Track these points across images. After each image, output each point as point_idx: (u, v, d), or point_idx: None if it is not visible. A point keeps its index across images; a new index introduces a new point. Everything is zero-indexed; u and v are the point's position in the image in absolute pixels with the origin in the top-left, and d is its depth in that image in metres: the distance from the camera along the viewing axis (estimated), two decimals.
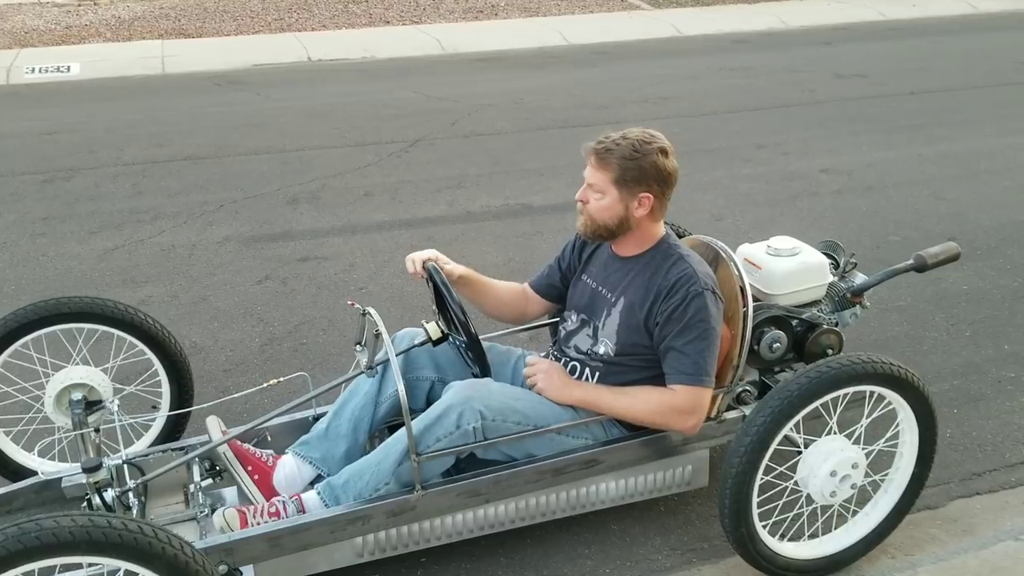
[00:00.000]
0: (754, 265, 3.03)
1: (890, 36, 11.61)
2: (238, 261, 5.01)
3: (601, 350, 2.67)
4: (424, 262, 2.71)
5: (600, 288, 2.73)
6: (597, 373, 2.68)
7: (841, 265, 3.17)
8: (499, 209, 5.75)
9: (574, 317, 2.80)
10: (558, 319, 2.98)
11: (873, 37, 11.58)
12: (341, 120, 7.83)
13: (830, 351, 3.00)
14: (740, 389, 2.84)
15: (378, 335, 2.50)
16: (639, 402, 2.58)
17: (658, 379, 2.61)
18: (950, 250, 3.12)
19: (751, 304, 2.73)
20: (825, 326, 2.98)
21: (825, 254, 3.19)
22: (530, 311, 2.97)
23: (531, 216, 5.63)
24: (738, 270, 2.75)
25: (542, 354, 3.02)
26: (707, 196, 5.91)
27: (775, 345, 2.91)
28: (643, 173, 2.51)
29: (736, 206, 5.78)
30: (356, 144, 7.14)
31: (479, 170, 6.50)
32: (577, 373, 2.72)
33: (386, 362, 2.58)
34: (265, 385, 2.78)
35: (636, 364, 2.64)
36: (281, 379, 2.81)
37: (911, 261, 3.09)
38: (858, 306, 3.14)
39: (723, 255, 2.81)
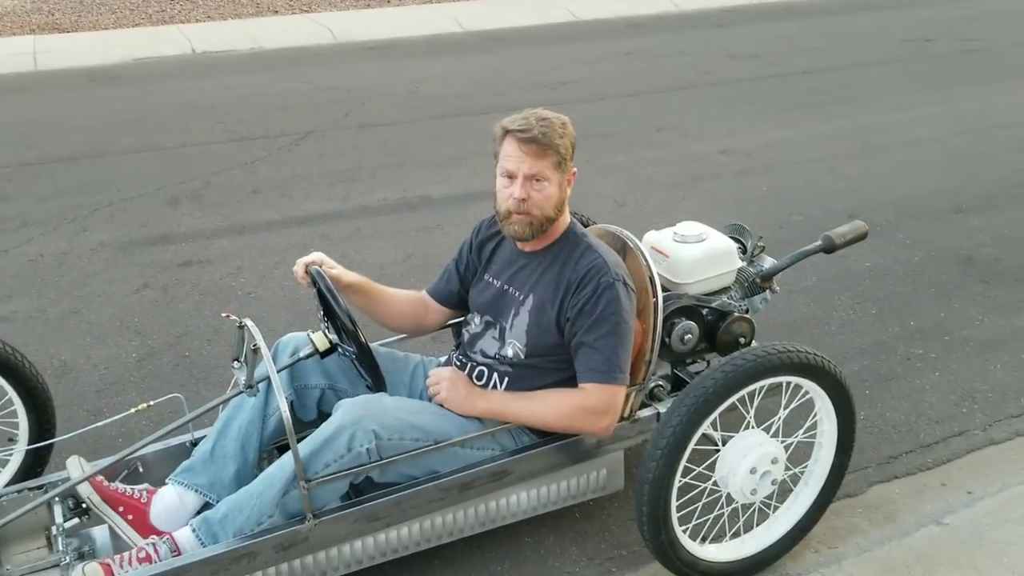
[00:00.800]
0: (661, 253, 2.88)
1: (781, 17, 11.75)
2: (113, 269, 4.63)
3: (509, 352, 2.48)
4: (308, 266, 2.46)
5: (506, 287, 2.53)
6: (506, 378, 2.49)
7: (749, 249, 3.05)
8: (396, 202, 5.51)
9: (478, 320, 2.60)
10: (461, 320, 2.78)
11: (764, 18, 11.69)
12: (227, 114, 7.43)
13: (742, 339, 2.87)
14: (653, 385, 2.68)
15: (256, 350, 2.25)
16: (549, 407, 2.39)
17: (572, 381, 2.43)
18: (858, 229, 3.03)
19: (661, 295, 2.57)
20: (736, 314, 2.86)
21: (732, 238, 3.07)
22: (430, 321, 2.76)
23: (430, 209, 5.40)
24: (646, 260, 2.59)
25: (443, 358, 2.81)
26: (609, 181, 5.79)
27: (687, 336, 2.76)
28: (571, 149, 2.37)
29: (638, 190, 5.67)
30: (243, 138, 6.77)
31: (374, 162, 6.23)
32: (484, 379, 2.51)
33: (268, 378, 2.32)
34: (133, 411, 2.48)
35: (548, 366, 2.46)
36: (151, 402, 2.51)
37: (819, 242, 2.99)
38: (768, 291, 3.03)
39: (630, 244, 2.65)
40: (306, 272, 2.46)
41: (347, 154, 6.41)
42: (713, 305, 2.84)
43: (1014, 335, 3.83)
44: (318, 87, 8.30)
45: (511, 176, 2.35)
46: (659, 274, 2.64)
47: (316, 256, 2.50)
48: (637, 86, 8.27)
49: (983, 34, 10.32)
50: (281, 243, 4.91)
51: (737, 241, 3.11)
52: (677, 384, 2.82)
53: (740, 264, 2.94)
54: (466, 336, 2.63)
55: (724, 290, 2.95)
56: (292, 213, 5.34)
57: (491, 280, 2.59)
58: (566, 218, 2.49)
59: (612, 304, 2.36)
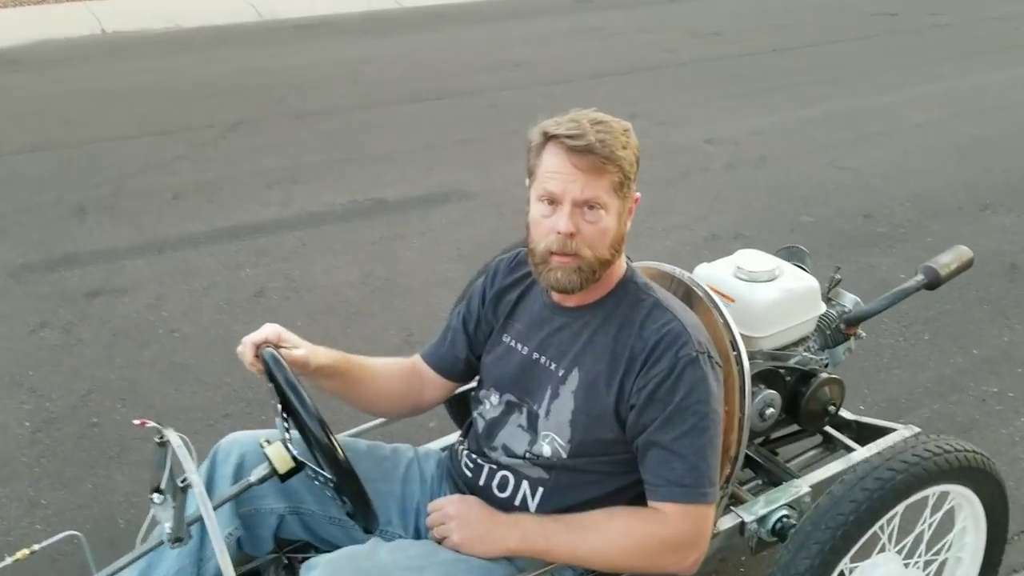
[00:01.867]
0: (725, 297, 2.19)
1: None
2: (3, 302, 3.77)
3: (547, 451, 1.75)
4: (259, 347, 1.71)
5: (537, 356, 1.81)
6: (541, 488, 1.76)
7: (828, 284, 2.39)
8: (346, 207, 4.72)
9: (495, 398, 1.87)
10: (467, 390, 2.06)
11: None
12: (142, 103, 6.49)
13: (832, 407, 2.22)
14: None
15: (186, 486, 1.50)
16: (612, 540, 1.68)
17: (633, 490, 1.74)
18: (962, 257, 2.41)
19: (746, 362, 1.89)
20: (824, 375, 2.20)
21: (796, 266, 2.41)
22: (427, 397, 2.02)
23: (386, 214, 4.63)
24: (723, 316, 1.90)
25: (439, 446, 2.09)
26: None
27: (768, 411, 2.10)
28: (635, 165, 1.68)
29: None
30: (161, 132, 5.87)
31: (316, 157, 5.42)
32: (509, 489, 1.79)
33: (201, 519, 1.56)
34: (10, 560, 1.70)
35: (601, 470, 1.74)
36: (36, 547, 1.73)
37: (920, 276, 2.36)
38: (852, 338, 2.38)
39: (697, 292, 1.96)
40: (257, 356, 1.71)
41: (284, 149, 5.58)
42: (793, 364, 2.18)
43: None
44: (245, 70, 7.40)
45: (554, 201, 1.64)
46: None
47: (270, 332, 1.74)
48: (601, 67, 7.58)
49: (946, 7, 9.88)
50: (210, 263, 4.09)
51: (801, 269, 2.45)
52: (754, 471, 2.16)
53: (824, 307, 2.28)
54: (480, 423, 1.89)
55: (802, 340, 2.28)
56: (221, 223, 4.51)
57: (514, 344, 1.86)
58: (623, 262, 1.78)
59: (697, 389, 1.66)
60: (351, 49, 8.23)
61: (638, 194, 1.72)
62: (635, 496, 1.75)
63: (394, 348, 3.39)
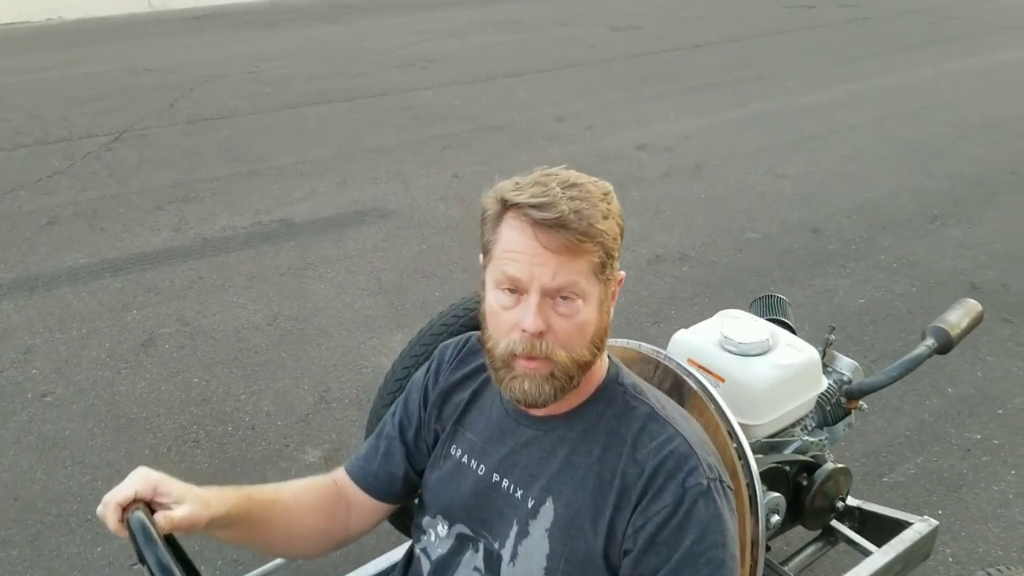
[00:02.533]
0: (713, 375, 1.83)
1: None
2: None
3: None
4: (126, 509, 1.25)
5: (498, 478, 1.40)
6: None
7: (822, 348, 2.05)
8: (249, 231, 4.20)
9: (443, 529, 1.45)
10: (399, 509, 1.64)
11: None
12: (15, 108, 5.81)
13: (840, 502, 1.88)
14: None
15: None
16: None
17: None
18: (971, 312, 2.09)
19: (755, 469, 1.52)
20: (829, 465, 1.85)
21: (774, 321, 2.07)
22: (356, 526, 1.57)
23: (295, 238, 4.13)
24: (725, 414, 1.53)
25: None
26: None
27: (773, 519, 1.74)
28: (619, 237, 1.28)
29: None
30: (36, 143, 5.22)
31: (213, 171, 4.87)
32: None
33: None
34: None
35: None
36: None
37: (930, 341, 2.03)
38: (853, 412, 2.04)
39: (690, 384, 1.58)
40: (122, 522, 1.25)
41: (176, 161, 5.01)
42: (794, 457, 1.83)
43: None
44: (133, 68, 6.75)
45: (517, 290, 1.24)
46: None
47: (140, 486, 1.27)
48: (519, 64, 7.18)
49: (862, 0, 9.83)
50: (90, 304, 3.54)
51: (782, 324, 2.11)
52: None
53: (826, 383, 1.93)
54: (423, 562, 1.47)
55: (798, 420, 1.93)
56: (105, 254, 3.95)
57: (466, 461, 1.44)
58: (602, 366, 1.39)
59: (711, 529, 1.26)
60: (250, 43, 7.63)
61: (622, 273, 1.33)
62: None
63: (309, 407, 2.93)
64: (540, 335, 1.23)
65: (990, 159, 5.26)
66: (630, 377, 1.40)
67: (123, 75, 6.57)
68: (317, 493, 1.52)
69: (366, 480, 1.53)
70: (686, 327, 3.30)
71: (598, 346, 1.30)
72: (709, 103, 6.28)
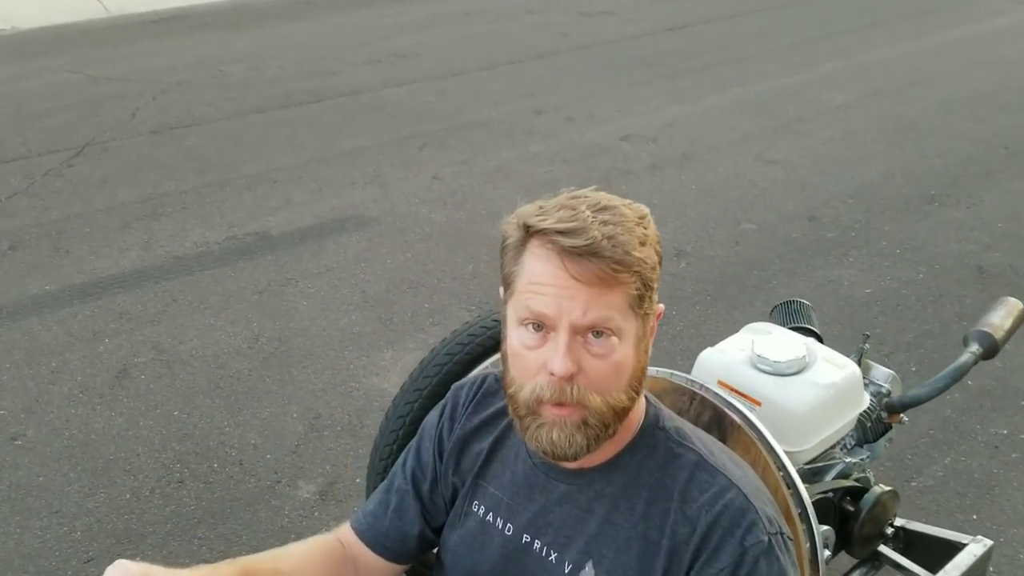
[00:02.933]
0: (749, 399, 1.67)
1: None
2: None
3: None
4: None
5: (528, 539, 1.23)
6: None
7: (856, 358, 1.90)
8: (223, 246, 4.00)
9: None
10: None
11: None
12: None
13: (890, 527, 1.74)
14: None
15: None
16: None
17: None
18: (1015, 311, 1.95)
19: (813, 515, 1.37)
20: (877, 489, 1.71)
21: (801, 331, 1.92)
22: None
23: (273, 252, 3.94)
24: (770, 446, 1.38)
25: None
26: (500, 191, 4.51)
27: (824, 554, 1.58)
28: (657, 265, 1.13)
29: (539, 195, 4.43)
30: None
31: (181, 184, 4.65)
32: None
33: None
34: None
35: None
36: None
37: (975, 347, 1.89)
38: (893, 427, 1.90)
39: (732, 416, 1.43)
40: None
41: (142, 174, 4.78)
42: (844, 484, 1.68)
43: None
44: (92, 78, 6.49)
45: (544, 327, 1.08)
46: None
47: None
48: (492, 56, 6.99)
49: None
50: (58, 334, 3.33)
51: (808, 333, 1.96)
52: None
53: (868, 400, 1.78)
54: None
55: (839, 441, 1.78)
56: (72, 279, 3.73)
57: (491, 520, 1.28)
58: (640, 408, 1.22)
59: None
60: (212, 46, 7.38)
61: (661, 306, 1.16)
62: None
63: (299, 436, 2.75)
64: (571, 378, 1.07)
65: (981, 134, 5.15)
66: (672, 420, 1.24)
67: (82, 85, 6.31)
68: (323, 559, 1.34)
69: (376, 540, 1.36)
70: (693, 332, 3.16)
71: (636, 389, 1.14)
72: (690, 89, 6.13)
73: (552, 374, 1.07)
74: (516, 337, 1.11)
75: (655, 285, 1.11)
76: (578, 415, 1.09)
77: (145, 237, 4.08)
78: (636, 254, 1.05)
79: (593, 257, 1.03)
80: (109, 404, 2.93)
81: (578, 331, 1.06)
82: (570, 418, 1.09)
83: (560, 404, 1.08)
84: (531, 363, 1.09)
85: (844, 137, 5.17)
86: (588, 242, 1.02)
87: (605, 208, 1.07)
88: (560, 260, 1.04)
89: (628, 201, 1.12)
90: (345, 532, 1.38)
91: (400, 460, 1.39)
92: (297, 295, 3.57)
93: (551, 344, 1.07)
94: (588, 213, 1.05)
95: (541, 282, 1.06)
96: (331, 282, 3.65)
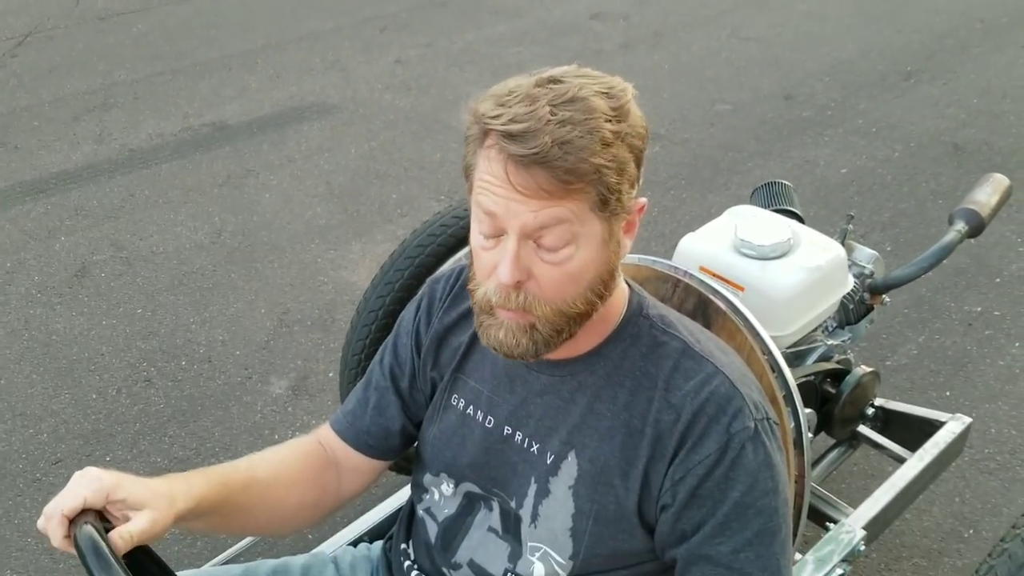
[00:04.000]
0: (732, 285, 1.62)
1: None
2: None
3: (539, 570, 1.16)
4: (73, 522, 1.01)
5: (509, 431, 1.20)
6: None
7: (840, 238, 1.85)
8: (179, 138, 3.84)
9: (448, 488, 1.26)
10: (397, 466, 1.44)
11: None
12: None
13: (870, 408, 1.73)
14: None
15: None
16: None
17: None
18: (1000, 188, 1.91)
19: (799, 400, 1.34)
20: (858, 370, 1.69)
21: (782, 212, 1.87)
22: (347, 488, 1.36)
23: (231, 143, 3.78)
24: (756, 331, 1.34)
25: (370, 544, 1.47)
26: (466, 74, 4.35)
27: (807, 434, 1.57)
28: (633, 161, 1.01)
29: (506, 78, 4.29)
30: None
31: (133, 73, 4.44)
32: None
33: None
34: None
35: None
36: None
37: (960, 225, 1.85)
38: (875, 308, 1.87)
39: (716, 302, 1.38)
40: (68, 537, 1.02)
41: (90, 63, 4.55)
42: (827, 367, 1.65)
43: None
44: None
45: (495, 230, 1.01)
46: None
47: (87, 492, 1.03)
48: None
49: None
50: (12, 233, 3.20)
51: (790, 215, 1.91)
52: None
53: (852, 282, 1.74)
54: (429, 525, 1.28)
55: (822, 323, 1.75)
56: (22, 175, 3.57)
57: (471, 412, 1.24)
58: (622, 288, 1.16)
59: (761, 477, 1.08)
60: None
61: (643, 200, 1.08)
62: None
63: (268, 332, 2.69)
64: (518, 285, 1.00)
65: (956, 8, 5.02)
66: (656, 307, 1.18)
67: None
68: (302, 463, 1.30)
69: (358, 438, 1.32)
70: (668, 217, 3.11)
71: (599, 293, 1.06)
72: None
73: (499, 281, 1.00)
74: (475, 233, 1.04)
75: (626, 186, 1.01)
76: (525, 320, 1.03)
77: (97, 130, 3.90)
78: (595, 160, 0.94)
79: (540, 167, 0.93)
80: (69, 303, 2.84)
81: (529, 236, 0.98)
82: (517, 322, 1.03)
83: (509, 309, 1.02)
84: (486, 263, 1.03)
85: (819, 12, 5.01)
86: (534, 150, 0.92)
87: (572, 101, 0.95)
88: (504, 169, 0.95)
89: (609, 84, 1.00)
90: (325, 433, 1.34)
91: (377, 357, 1.33)
92: (259, 187, 3.45)
93: (501, 249, 1.00)
94: (547, 110, 0.94)
95: (491, 186, 0.97)
96: (294, 173, 3.52)
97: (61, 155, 3.70)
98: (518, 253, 0.98)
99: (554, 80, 0.98)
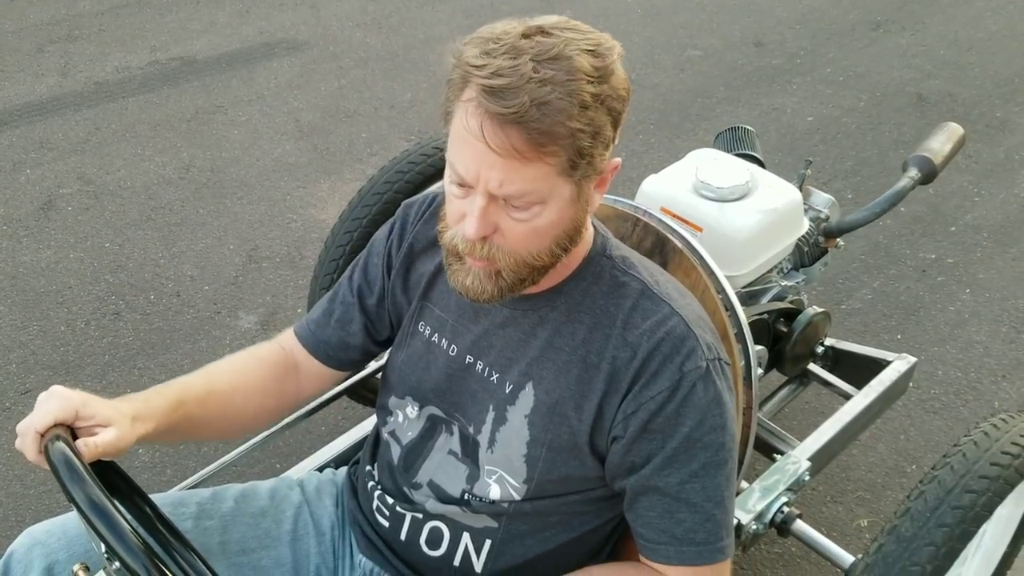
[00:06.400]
0: (691, 225, 1.67)
1: None
2: None
3: (495, 493, 1.23)
4: (44, 436, 1.06)
5: (471, 359, 1.25)
6: (488, 542, 1.24)
7: (797, 183, 1.90)
8: (146, 71, 3.79)
9: (412, 410, 1.31)
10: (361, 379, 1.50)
11: None
12: None
13: (820, 347, 1.80)
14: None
15: None
16: None
17: (608, 527, 1.28)
18: (954, 136, 1.96)
19: (749, 337, 1.40)
20: (810, 311, 1.76)
21: (744, 156, 1.92)
22: (305, 390, 1.41)
23: (199, 77, 3.75)
24: (710, 270, 1.39)
25: (335, 469, 1.53)
26: (438, 13, 4.30)
27: (756, 372, 1.64)
28: (610, 124, 1.02)
29: (486, 24, 4.26)
30: None
31: (98, 4, 4.35)
32: (444, 546, 1.27)
33: None
34: None
35: (570, 511, 1.24)
36: None
37: (913, 172, 1.90)
38: (830, 251, 1.93)
39: (674, 241, 1.43)
40: (42, 452, 1.06)
41: None
42: (779, 306, 1.72)
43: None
44: None
45: (464, 184, 1.04)
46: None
47: (59, 409, 1.08)
48: None
49: None
50: None
51: (752, 159, 1.95)
52: None
53: (807, 225, 1.79)
54: (392, 447, 1.33)
55: (777, 264, 1.81)
56: None
57: (437, 340, 1.29)
58: (587, 236, 1.20)
59: (711, 413, 1.14)
60: None
61: (616, 160, 1.10)
62: (610, 534, 1.30)
63: (237, 268, 2.71)
64: (484, 239, 1.04)
65: None
66: (618, 248, 1.22)
67: None
68: (262, 371, 1.36)
69: (317, 347, 1.38)
70: (635, 161, 3.14)
71: (564, 246, 1.10)
72: None
73: (464, 236, 1.04)
74: (447, 178, 1.07)
75: (600, 148, 1.02)
76: (491, 268, 1.07)
77: (62, 62, 3.84)
78: (571, 123, 0.96)
79: (515, 126, 0.94)
80: (36, 236, 2.83)
81: (495, 198, 1.02)
82: (483, 270, 1.08)
83: (475, 258, 1.06)
84: (455, 210, 1.07)
85: None
86: (511, 109, 0.93)
87: (556, 59, 0.96)
88: (480, 125, 0.96)
89: (596, 41, 1.00)
90: (287, 338, 1.41)
91: (347, 272, 1.39)
92: (227, 123, 3.43)
93: (469, 202, 1.03)
94: (530, 66, 0.95)
95: (464, 139, 0.99)
96: (263, 110, 3.51)
97: (25, 87, 3.65)
98: (485, 210, 1.01)
99: (542, 31, 0.98)
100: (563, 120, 0.95)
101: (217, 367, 1.31)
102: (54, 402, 1.07)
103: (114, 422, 1.09)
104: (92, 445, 1.04)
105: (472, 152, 0.98)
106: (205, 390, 1.27)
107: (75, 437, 1.06)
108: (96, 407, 1.09)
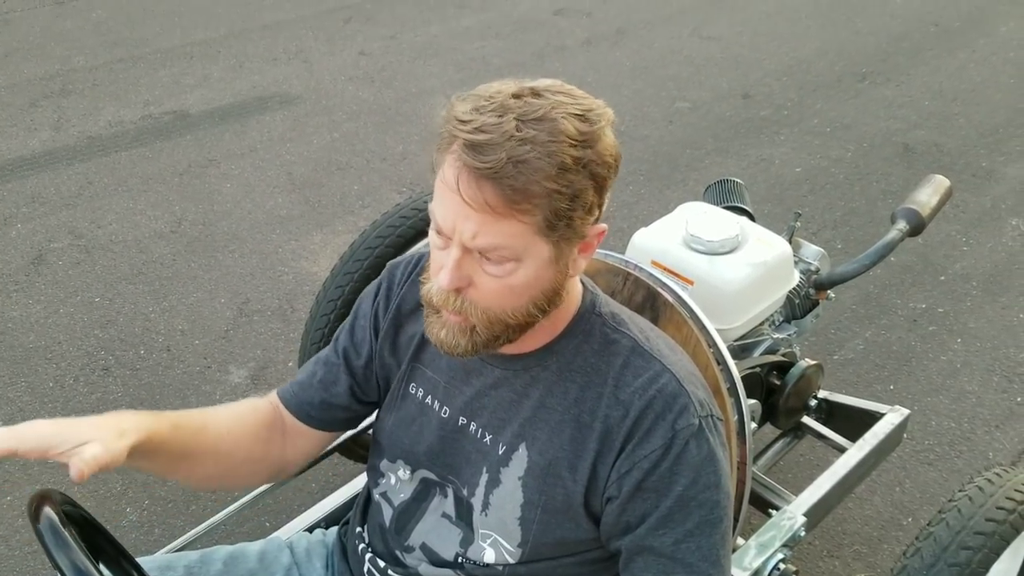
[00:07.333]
0: (681, 278, 1.67)
1: None
2: None
3: (489, 556, 1.21)
4: (35, 506, 1.03)
5: (464, 421, 1.23)
6: None
7: (787, 235, 1.91)
8: (139, 125, 3.82)
9: (405, 473, 1.29)
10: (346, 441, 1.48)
11: None
12: None
13: (814, 400, 1.79)
14: None
15: None
16: None
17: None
18: (940, 189, 1.98)
19: (743, 392, 1.39)
20: (802, 363, 1.75)
21: (733, 209, 1.93)
22: (291, 454, 1.38)
23: (192, 132, 3.77)
24: (702, 324, 1.39)
25: (325, 531, 1.51)
26: (430, 68, 4.36)
27: (751, 425, 1.63)
28: (593, 187, 1.01)
29: (476, 78, 4.31)
30: None
31: (91, 59, 4.39)
32: None
33: None
34: None
35: (565, 573, 1.21)
36: None
37: (902, 224, 1.91)
38: (821, 303, 1.94)
39: (665, 295, 1.43)
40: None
41: (48, 48, 4.50)
42: (772, 359, 1.71)
43: (1013, 261, 3.02)
44: None
45: (442, 234, 1.04)
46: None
47: (32, 437, 1.05)
48: None
49: None
50: None
51: (741, 211, 1.97)
52: None
53: (798, 278, 1.80)
54: (384, 509, 1.31)
55: (768, 317, 1.81)
56: None
57: (429, 401, 1.27)
58: (576, 293, 1.20)
59: (704, 471, 1.13)
60: None
61: (602, 226, 1.08)
62: None
63: (228, 321, 2.70)
64: (457, 291, 1.04)
65: (912, 11, 5.14)
66: (608, 305, 1.22)
67: None
68: (253, 419, 1.33)
69: (300, 408, 1.35)
70: (626, 212, 3.16)
71: (542, 307, 1.09)
72: None
73: (439, 286, 1.04)
74: (431, 228, 1.08)
75: (581, 212, 1.01)
76: (465, 323, 1.07)
77: (55, 116, 3.86)
78: (548, 184, 0.96)
79: (490, 181, 0.95)
80: (26, 291, 2.82)
81: (469, 252, 1.02)
82: (457, 324, 1.07)
83: (450, 311, 1.06)
84: (436, 260, 1.07)
85: (780, 11, 5.10)
86: (487, 164, 0.94)
87: (539, 120, 0.96)
88: (456, 178, 0.97)
89: (587, 107, 1.00)
90: (274, 398, 1.38)
91: (335, 335, 1.36)
92: (220, 177, 3.44)
93: (447, 253, 1.03)
94: (513, 124, 0.95)
95: (443, 190, 1.00)
96: (255, 163, 3.52)
97: (18, 141, 3.66)
98: (459, 262, 1.01)
99: (534, 93, 0.99)
100: (539, 179, 0.95)
101: (213, 409, 1.31)
102: (23, 430, 1.03)
103: (95, 437, 1.04)
104: (79, 466, 1.00)
105: (449, 203, 0.99)
106: (200, 423, 1.25)
107: (69, 504, 1.03)
108: (70, 431, 1.03)
